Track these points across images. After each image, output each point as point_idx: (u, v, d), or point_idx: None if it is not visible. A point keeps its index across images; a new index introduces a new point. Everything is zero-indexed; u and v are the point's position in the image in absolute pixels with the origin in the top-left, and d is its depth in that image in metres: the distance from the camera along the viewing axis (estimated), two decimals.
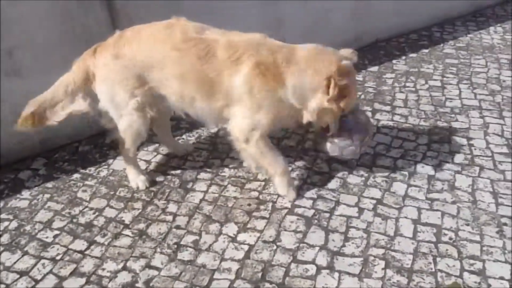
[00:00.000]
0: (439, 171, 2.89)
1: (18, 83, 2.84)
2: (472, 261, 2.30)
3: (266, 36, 2.55)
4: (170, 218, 2.62)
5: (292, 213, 2.62)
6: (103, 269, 2.33)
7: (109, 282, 2.26)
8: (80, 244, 2.48)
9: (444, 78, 3.96)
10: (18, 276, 2.31)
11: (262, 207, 2.67)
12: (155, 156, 3.13)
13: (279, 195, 2.74)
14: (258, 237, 2.47)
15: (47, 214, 2.68)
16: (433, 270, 2.27)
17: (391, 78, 3.99)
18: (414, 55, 4.37)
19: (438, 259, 2.32)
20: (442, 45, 4.54)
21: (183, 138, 3.31)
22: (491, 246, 2.38)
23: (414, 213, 2.59)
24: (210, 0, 3.34)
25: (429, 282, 2.21)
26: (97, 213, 2.68)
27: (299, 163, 2.99)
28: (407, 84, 3.88)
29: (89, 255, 2.41)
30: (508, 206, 2.61)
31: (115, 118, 2.67)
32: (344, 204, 2.67)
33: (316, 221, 2.57)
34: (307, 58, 2.45)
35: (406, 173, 2.88)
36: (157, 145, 3.20)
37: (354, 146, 2.65)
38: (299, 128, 3.04)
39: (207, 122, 2.73)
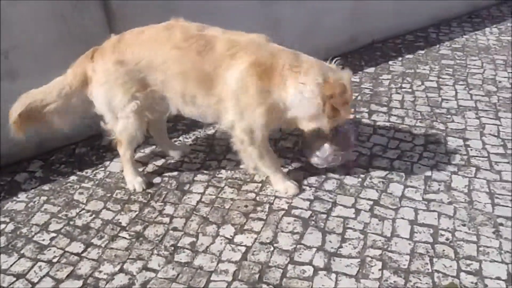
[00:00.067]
0: (435, 171, 2.90)
1: (15, 84, 2.83)
2: (468, 262, 2.31)
3: (269, 39, 2.56)
4: (167, 220, 2.62)
5: (289, 215, 2.62)
6: (100, 272, 2.32)
7: (106, 285, 2.25)
8: (76, 247, 2.47)
9: (440, 79, 3.97)
10: (15, 278, 2.30)
11: (259, 208, 2.68)
12: (152, 158, 3.13)
13: (276, 197, 2.74)
14: (255, 239, 2.47)
15: (43, 217, 2.68)
16: (430, 270, 2.27)
17: (387, 79, 4.00)
18: (410, 56, 4.39)
19: (435, 259, 2.32)
20: (438, 46, 4.56)
21: (180, 140, 3.30)
22: (488, 247, 2.38)
23: (410, 214, 2.60)
24: (206, 0, 3.34)
25: (426, 283, 2.21)
26: (93, 215, 2.67)
27: (296, 164, 2.99)
28: (404, 85, 3.89)
29: (86, 258, 2.40)
30: (504, 206, 2.62)
31: (110, 121, 2.67)
32: (341, 205, 2.68)
33: (313, 222, 2.57)
34: (307, 71, 2.44)
35: (403, 174, 2.89)
36: (154, 147, 3.20)
37: (336, 156, 2.66)
38: (295, 129, 3.05)
39: (208, 119, 2.72)
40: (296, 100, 2.45)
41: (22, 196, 2.84)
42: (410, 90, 3.82)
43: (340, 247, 2.41)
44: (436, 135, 3.24)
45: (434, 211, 2.61)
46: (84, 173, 3.01)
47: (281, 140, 3.22)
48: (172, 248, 2.44)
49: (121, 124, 2.65)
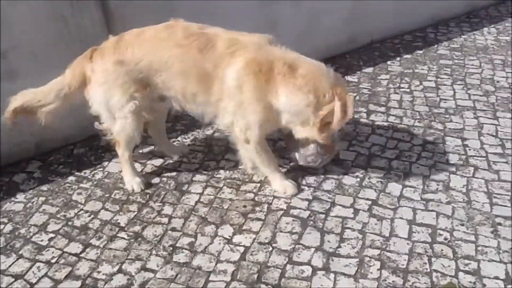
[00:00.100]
0: (434, 171, 2.90)
1: (14, 84, 2.83)
2: (467, 261, 2.31)
3: (272, 40, 2.54)
4: (165, 220, 2.62)
5: (287, 215, 2.63)
6: (99, 272, 2.32)
7: (104, 285, 2.25)
8: (75, 247, 2.47)
9: (439, 79, 3.97)
10: (13, 279, 2.30)
11: (257, 208, 2.68)
12: (151, 158, 3.13)
13: (274, 197, 2.74)
14: (254, 239, 2.47)
15: (42, 217, 2.67)
16: (428, 270, 2.27)
17: (385, 79, 4.01)
18: (408, 56, 4.39)
19: (433, 259, 2.33)
20: (436, 46, 4.56)
21: (178, 140, 3.30)
22: (486, 246, 2.39)
23: (409, 213, 2.60)
24: (206, 1, 3.34)
25: (424, 282, 2.21)
26: (92, 216, 2.67)
27: (294, 165, 2.99)
28: (402, 85, 3.90)
29: (85, 258, 2.40)
30: (503, 206, 2.63)
31: (107, 121, 2.67)
32: (340, 205, 2.68)
33: (311, 222, 2.57)
34: (306, 78, 2.41)
35: (401, 173, 2.89)
36: (152, 147, 3.20)
37: (316, 158, 2.67)
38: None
39: (209, 118, 2.69)
40: (287, 109, 2.46)
41: (20, 196, 2.84)
42: (408, 90, 3.83)
43: (339, 247, 2.41)
44: (435, 135, 3.24)
45: (432, 210, 2.61)
46: (82, 173, 3.01)
47: (280, 140, 3.22)
48: (171, 248, 2.44)
49: (119, 125, 2.65)
